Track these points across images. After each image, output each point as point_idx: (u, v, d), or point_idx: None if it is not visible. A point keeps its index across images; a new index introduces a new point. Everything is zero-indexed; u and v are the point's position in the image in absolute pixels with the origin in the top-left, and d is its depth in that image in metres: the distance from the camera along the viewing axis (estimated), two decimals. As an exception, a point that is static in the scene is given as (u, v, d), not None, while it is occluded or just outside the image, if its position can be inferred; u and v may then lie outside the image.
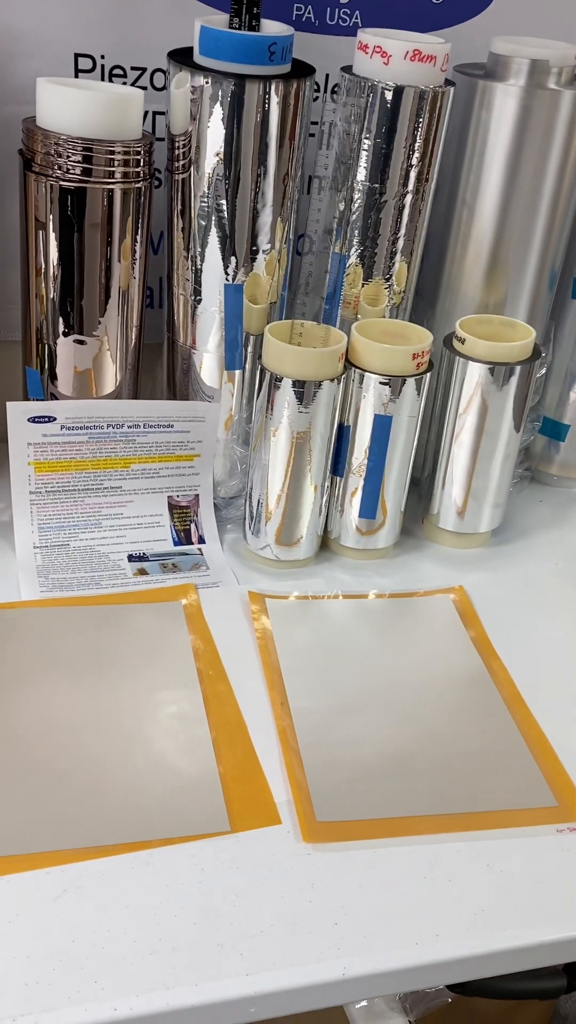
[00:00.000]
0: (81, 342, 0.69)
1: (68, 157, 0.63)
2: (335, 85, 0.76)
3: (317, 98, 0.76)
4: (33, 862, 0.49)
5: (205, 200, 0.66)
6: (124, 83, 0.72)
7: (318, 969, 0.45)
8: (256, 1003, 0.45)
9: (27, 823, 0.51)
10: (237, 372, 0.72)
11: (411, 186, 0.69)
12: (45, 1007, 0.42)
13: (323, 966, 0.46)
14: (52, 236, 0.65)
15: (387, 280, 0.72)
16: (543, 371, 0.81)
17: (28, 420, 0.68)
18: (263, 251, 0.68)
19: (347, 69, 0.68)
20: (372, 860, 0.51)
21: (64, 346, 0.69)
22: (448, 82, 0.68)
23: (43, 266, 0.66)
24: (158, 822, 0.52)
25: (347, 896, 0.49)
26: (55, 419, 0.69)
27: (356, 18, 0.75)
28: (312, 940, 0.47)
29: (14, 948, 0.45)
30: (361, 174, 0.69)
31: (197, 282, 0.69)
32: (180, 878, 0.49)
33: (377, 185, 0.69)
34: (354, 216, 0.70)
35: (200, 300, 0.70)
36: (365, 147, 0.68)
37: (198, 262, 0.69)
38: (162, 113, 0.73)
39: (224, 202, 0.66)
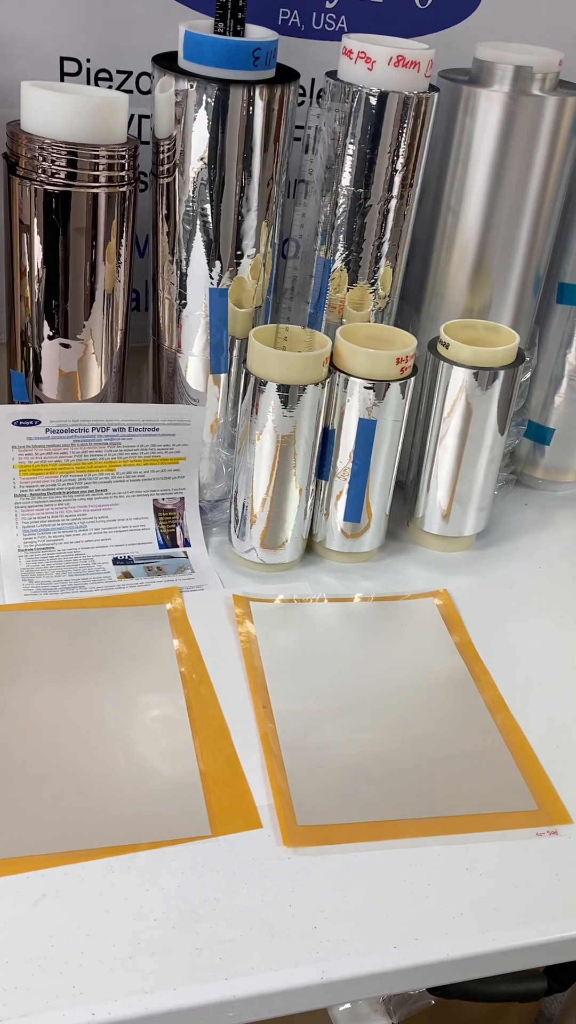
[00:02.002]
0: (66, 345, 0.69)
1: (53, 161, 0.63)
2: (320, 90, 0.76)
3: (302, 102, 0.77)
4: (12, 866, 0.49)
5: (190, 204, 0.66)
6: (110, 87, 0.73)
7: (297, 973, 0.46)
8: (235, 1007, 0.45)
9: (7, 827, 0.51)
10: (222, 376, 0.73)
11: (396, 191, 0.69)
12: (23, 1012, 0.42)
13: (302, 970, 0.46)
14: (36, 239, 0.65)
15: (372, 284, 0.72)
16: (528, 375, 0.81)
17: (13, 423, 0.68)
18: (248, 255, 0.69)
19: (332, 74, 0.69)
20: (352, 864, 0.51)
21: (49, 349, 0.69)
22: (432, 88, 0.69)
23: (27, 269, 0.66)
24: (139, 826, 0.52)
25: (327, 900, 0.49)
26: (40, 422, 0.69)
27: (342, 23, 0.75)
28: (291, 944, 0.47)
29: (-7, 952, 0.45)
30: (346, 179, 0.69)
31: (182, 286, 0.70)
32: (160, 882, 0.49)
33: (362, 190, 0.69)
34: (339, 221, 0.70)
35: (185, 304, 0.70)
36: (350, 152, 0.68)
37: (183, 266, 0.69)
38: (148, 116, 0.73)
39: (209, 206, 0.66)
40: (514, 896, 0.51)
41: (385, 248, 0.71)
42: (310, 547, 0.76)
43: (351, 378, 0.68)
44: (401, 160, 0.68)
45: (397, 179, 0.69)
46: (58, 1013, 0.43)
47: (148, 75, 0.72)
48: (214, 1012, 0.44)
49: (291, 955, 0.46)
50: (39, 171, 0.63)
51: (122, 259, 0.68)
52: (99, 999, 0.43)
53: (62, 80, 0.71)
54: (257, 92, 0.63)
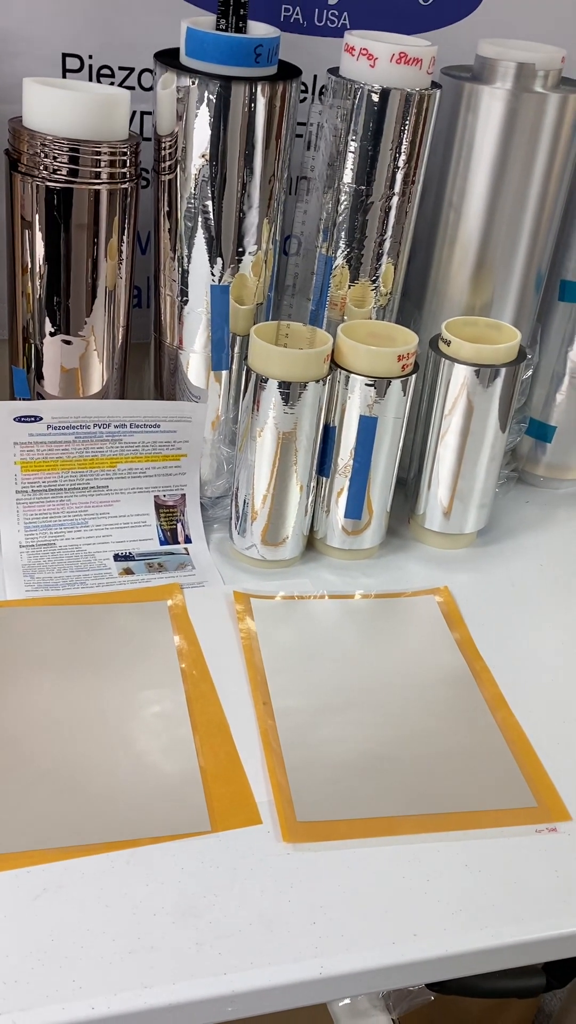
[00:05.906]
0: (68, 342, 0.69)
1: (54, 158, 0.63)
2: (323, 86, 0.76)
3: (304, 99, 0.77)
4: (13, 861, 0.49)
5: (191, 201, 0.67)
6: (112, 83, 0.73)
7: (295, 968, 0.46)
8: (234, 1002, 0.45)
9: (7, 822, 0.51)
10: (224, 372, 0.73)
11: (397, 188, 0.69)
12: (22, 1006, 0.43)
13: (300, 965, 0.46)
14: (38, 236, 0.65)
15: (373, 282, 0.72)
16: (529, 373, 0.81)
17: (14, 419, 0.69)
18: (249, 252, 0.69)
19: (334, 71, 0.69)
20: (351, 860, 0.51)
21: (51, 345, 0.69)
22: (435, 84, 0.69)
23: (29, 265, 0.66)
24: (139, 822, 0.52)
25: (326, 896, 0.49)
26: (41, 419, 0.69)
27: (344, 19, 0.75)
28: (290, 939, 0.47)
29: (-7, 947, 0.45)
30: (348, 176, 0.69)
31: (184, 283, 0.70)
32: (160, 877, 0.49)
33: (363, 187, 0.69)
34: (341, 218, 0.70)
35: (187, 301, 0.70)
36: (352, 149, 0.68)
37: (185, 263, 0.69)
38: (149, 113, 0.73)
39: (210, 203, 0.66)
40: (513, 892, 0.51)
41: (387, 245, 0.71)
42: (311, 544, 0.76)
43: (352, 375, 0.68)
44: (403, 157, 0.68)
45: (399, 176, 0.69)
46: (57, 1007, 0.43)
47: (150, 71, 0.72)
48: (213, 1007, 0.45)
49: (290, 950, 0.46)
50: (41, 168, 0.63)
51: (124, 256, 0.68)
52: (98, 993, 0.43)
53: (64, 76, 0.71)
54: (259, 89, 0.63)
